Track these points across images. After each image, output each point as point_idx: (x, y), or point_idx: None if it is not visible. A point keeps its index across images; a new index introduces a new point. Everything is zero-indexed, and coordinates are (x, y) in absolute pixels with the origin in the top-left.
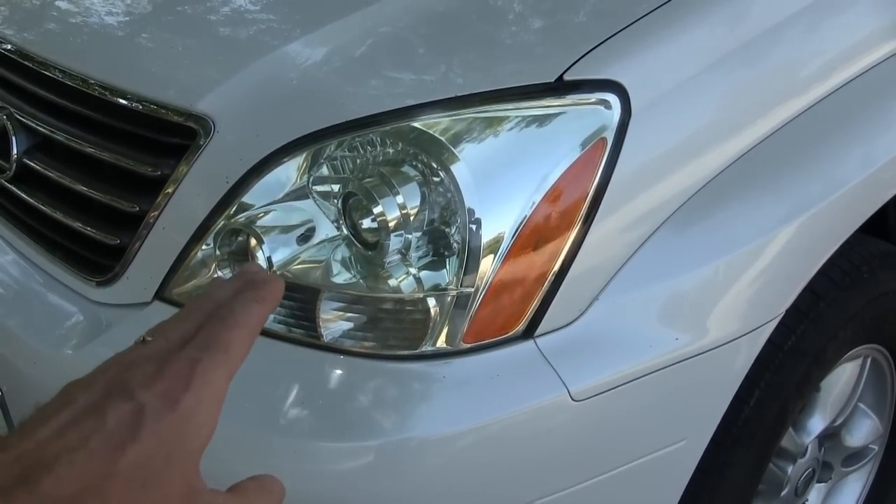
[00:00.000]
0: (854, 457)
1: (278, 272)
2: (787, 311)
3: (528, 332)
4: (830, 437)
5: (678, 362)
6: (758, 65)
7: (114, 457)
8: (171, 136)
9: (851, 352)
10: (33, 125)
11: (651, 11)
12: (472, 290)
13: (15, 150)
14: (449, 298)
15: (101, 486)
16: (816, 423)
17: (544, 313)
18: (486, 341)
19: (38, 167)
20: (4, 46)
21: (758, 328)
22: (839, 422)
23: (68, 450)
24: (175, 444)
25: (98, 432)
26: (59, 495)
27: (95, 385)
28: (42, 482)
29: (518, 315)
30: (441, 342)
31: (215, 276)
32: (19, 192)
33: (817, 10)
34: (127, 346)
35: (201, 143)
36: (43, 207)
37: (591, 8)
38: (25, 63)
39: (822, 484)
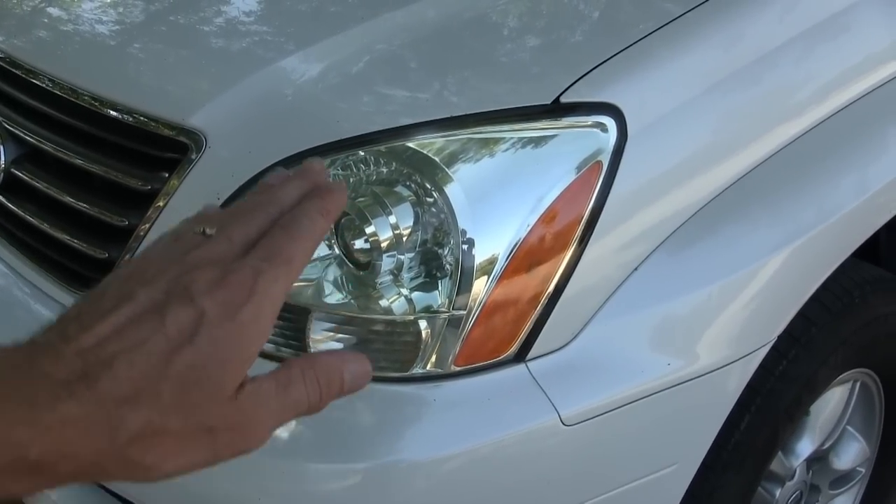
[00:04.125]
0: (841, 479)
1: None
2: (780, 337)
3: (520, 356)
4: (818, 460)
5: (670, 387)
6: (753, 89)
7: (170, 358)
8: (162, 150)
9: (841, 376)
10: (22, 135)
11: (648, 34)
12: (465, 312)
13: (3, 160)
14: (441, 320)
15: (155, 386)
16: (805, 447)
17: (537, 336)
18: (478, 364)
19: (25, 177)
20: None
21: (750, 353)
22: (827, 445)
23: (127, 350)
24: (230, 351)
25: (157, 333)
26: (117, 394)
27: (157, 284)
28: (101, 379)
29: (510, 338)
30: (432, 365)
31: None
32: (6, 203)
33: (812, 36)
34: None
35: (193, 157)
36: (30, 218)
37: (587, 29)
38: (14, 71)
39: None
